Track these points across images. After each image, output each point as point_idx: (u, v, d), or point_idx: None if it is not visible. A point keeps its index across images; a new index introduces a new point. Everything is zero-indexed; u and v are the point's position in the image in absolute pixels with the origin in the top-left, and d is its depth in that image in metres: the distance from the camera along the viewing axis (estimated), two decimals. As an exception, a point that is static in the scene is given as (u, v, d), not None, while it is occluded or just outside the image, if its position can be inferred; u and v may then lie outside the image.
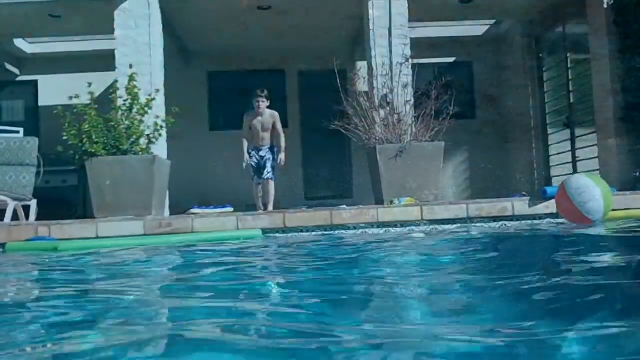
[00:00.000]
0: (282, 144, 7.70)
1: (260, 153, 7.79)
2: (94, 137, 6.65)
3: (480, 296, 2.10)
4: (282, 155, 7.65)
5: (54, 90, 11.09)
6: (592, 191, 4.72)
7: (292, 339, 1.49)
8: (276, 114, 7.84)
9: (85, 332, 1.68)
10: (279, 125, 7.77)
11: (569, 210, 4.88)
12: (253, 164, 7.80)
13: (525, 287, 2.12)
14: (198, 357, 1.33)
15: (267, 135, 7.84)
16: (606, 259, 3.02)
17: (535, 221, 5.90)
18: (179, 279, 3.04)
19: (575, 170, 9.71)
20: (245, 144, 7.80)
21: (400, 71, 7.86)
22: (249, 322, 1.77)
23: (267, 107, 7.74)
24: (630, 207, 5.94)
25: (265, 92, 7.73)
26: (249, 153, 7.82)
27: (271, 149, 7.86)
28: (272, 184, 7.71)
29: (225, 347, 1.41)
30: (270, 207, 7.58)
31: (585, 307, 1.75)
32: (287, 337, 1.53)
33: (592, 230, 4.63)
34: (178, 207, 7.97)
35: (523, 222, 5.82)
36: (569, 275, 2.46)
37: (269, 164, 7.73)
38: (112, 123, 6.80)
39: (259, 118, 7.74)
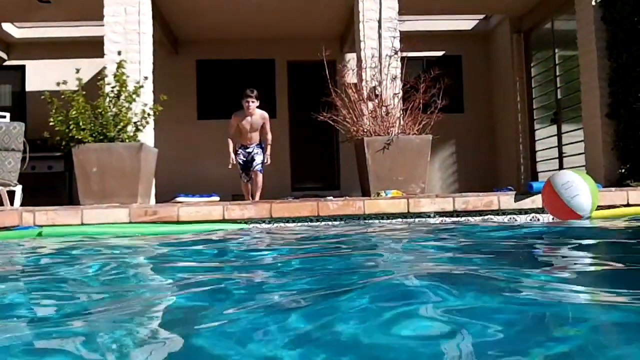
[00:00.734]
0: (269, 144, 7.74)
1: (248, 150, 7.83)
2: (81, 123, 6.62)
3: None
4: (268, 154, 7.70)
5: (41, 75, 11.04)
6: (580, 186, 4.75)
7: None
8: (266, 115, 7.85)
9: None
10: (268, 126, 7.80)
11: (556, 206, 4.90)
12: (241, 161, 7.82)
13: None
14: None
15: (255, 135, 7.86)
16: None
17: (522, 216, 5.94)
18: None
19: (561, 166, 9.79)
20: (230, 145, 7.80)
21: (389, 64, 7.89)
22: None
23: (257, 107, 7.73)
24: (615, 204, 5.99)
25: (255, 92, 7.71)
26: (236, 152, 7.84)
27: (259, 145, 7.91)
28: (260, 175, 7.75)
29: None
30: (257, 198, 7.61)
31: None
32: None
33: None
34: (165, 196, 7.97)
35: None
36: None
37: (258, 158, 7.75)
38: (100, 110, 6.78)
39: (249, 119, 7.73)
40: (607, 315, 1.45)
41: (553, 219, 5.24)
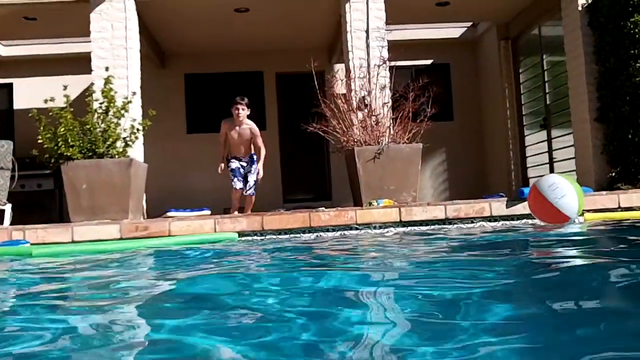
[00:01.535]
0: (262, 157, 7.56)
1: (242, 163, 7.66)
2: (69, 140, 6.59)
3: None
4: (259, 167, 7.51)
5: (29, 93, 10.97)
6: (566, 187, 4.76)
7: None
8: (257, 130, 7.59)
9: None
10: (260, 141, 7.56)
11: (543, 209, 4.89)
12: (234, 167, 7.60)
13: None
14: None
15: (244, 148, 7.64)
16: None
17: (514, 222, 5.93)
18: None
19: (552, 171, 9.80)
20: (221, 154, 7.66)
21: (378, 73, 7.88)
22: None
23: (248, 116, 7.53)
24: (606, 207, 6.00)
25: (246, 100, 7.50)
26: (228, 160, 7.65)
27: (252, 159, 7.68)
28: (253, 198, 7.63)
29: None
30: (248, 212, 7.53)
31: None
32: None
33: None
34: (155, 210, 7.92)
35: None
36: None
37: (251, 179, 7.58)
38: (89, 126, 6.74)
39: (237, 129, 7.51)
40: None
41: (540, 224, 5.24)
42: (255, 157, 7.68)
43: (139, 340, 1.64)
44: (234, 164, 7.61)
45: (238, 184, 7.57)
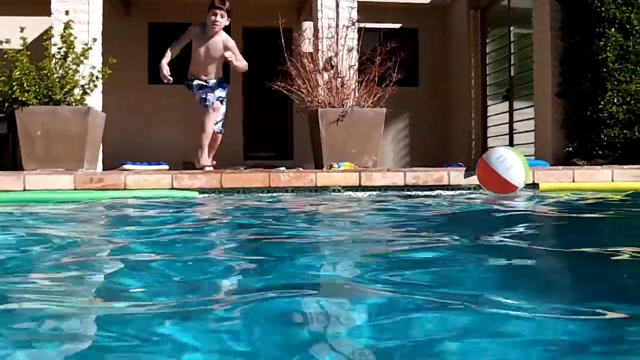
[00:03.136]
0: (242, 63, 6.63)
1: (206, 85, 6.62)
2: (25, 85, 6.38)
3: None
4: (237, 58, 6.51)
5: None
6: (513, 159, 4.88)
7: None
8: (232, 43, 6.64)
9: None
10: (238, 53, 6.65)
11: (493, 180, 5.00)
12: (198, 83, 6.60)
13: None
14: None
15: (213, 68, 6.64)
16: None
17: (470, 191, 5.99)
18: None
19: (511, 143, 9.92)
20: (168, 56, 6.61)
21: (346, 35, 7.81)
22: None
23: (225, 28, 6.52)
24: (561, 181, 6.11)
25: (227, 4, 6.39)
26: (190, 81, 6.64)
27: (221, 84, 6.68)
28: (220, 137, 6.84)
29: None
30: (209, 158, 6.83)
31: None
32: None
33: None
34: (113, 163, 7.78)
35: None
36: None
37: (222, 111, 6.67)
38: (46, 71, 6.54)
39: (209, 42, 6.45)
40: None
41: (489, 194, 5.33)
42: (224, 82, 6.75)
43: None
44: (196, 82, 6.56)
45: (219, 112, 6.52)
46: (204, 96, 6.54)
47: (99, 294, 1.65)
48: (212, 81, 6.67)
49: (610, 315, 1.31)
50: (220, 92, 6.67)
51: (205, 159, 6.65)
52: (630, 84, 7.31)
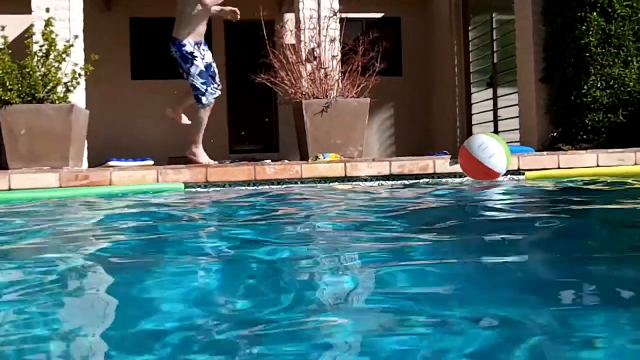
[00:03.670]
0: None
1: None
2: (7, 84, 6.35)
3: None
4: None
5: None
6: (494, 146, 4.93)
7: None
8: None
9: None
10: None
11: (475, 168, 5.05)
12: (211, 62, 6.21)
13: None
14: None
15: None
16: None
17: (456, 179, 6.02)
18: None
19: (496, 129, 9.97)
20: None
21: (328, 25, 7.80)
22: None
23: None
24: (546, 167, 6.15)
25: None
26: (190, 53, 6.12)
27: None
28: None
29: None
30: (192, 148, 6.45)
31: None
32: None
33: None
34: (98, 159, 7.75)
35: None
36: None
37: (210, 94, 6.16)
38: (28, 70, 6.51)
39: None
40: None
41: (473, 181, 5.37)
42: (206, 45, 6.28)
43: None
44: (208, 57, 6.18)
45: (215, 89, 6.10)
46: (203, 90, 6.13)
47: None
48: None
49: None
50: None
51: (204, 155, 6.39)
52: (614, 68, 7.35)
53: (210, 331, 1.19)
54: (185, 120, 6.51)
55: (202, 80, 6.02)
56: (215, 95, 6.15)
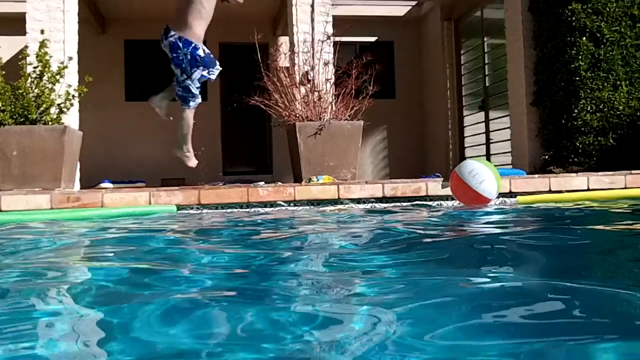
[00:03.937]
0: None
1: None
2: (0, 104, 6.35)
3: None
4: None
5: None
6: (485, 172, 4.99)
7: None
8: None
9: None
10: None
11: (466, 195, 5.11)
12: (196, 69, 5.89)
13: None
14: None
15: None
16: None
17: (448, 202, 6.03)
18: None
19: (488, 152, 10.02)
20: None
21: (322, 49, 7.87)
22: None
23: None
24: (538, 190, 6.17)
25: None
26: (196, 52, 5.85)
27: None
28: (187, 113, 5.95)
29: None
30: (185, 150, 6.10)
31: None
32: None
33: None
34: (91, 181, 7.74)
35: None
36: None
37: (198, 98, 5.91)
38: (21, 91, 6.51)
39: None
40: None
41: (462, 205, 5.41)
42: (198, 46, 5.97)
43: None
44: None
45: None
46: (196, 94, 5.90)
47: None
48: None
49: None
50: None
51: (193, 158, 6.10)
52: (603, 92, 7.42)
53: None
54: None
55: (197, 85, 5.95)
56: (199, 100, 6.04)
